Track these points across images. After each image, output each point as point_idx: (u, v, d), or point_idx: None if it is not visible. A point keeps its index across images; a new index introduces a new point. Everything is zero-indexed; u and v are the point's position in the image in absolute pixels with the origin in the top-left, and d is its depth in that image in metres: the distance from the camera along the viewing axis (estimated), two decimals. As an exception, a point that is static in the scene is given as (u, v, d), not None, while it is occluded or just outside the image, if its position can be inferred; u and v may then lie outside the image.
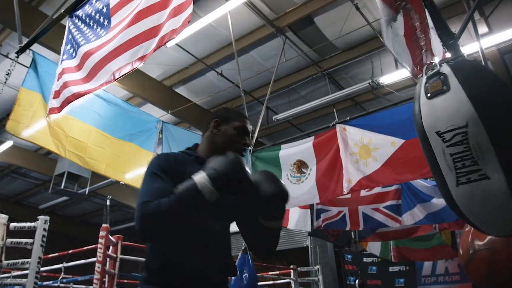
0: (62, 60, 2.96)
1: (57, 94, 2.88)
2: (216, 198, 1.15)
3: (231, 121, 1.49)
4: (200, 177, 1.16)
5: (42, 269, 2.93)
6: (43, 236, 2.88)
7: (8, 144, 7.30)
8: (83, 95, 2.64)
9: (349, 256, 7.18)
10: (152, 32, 2.24)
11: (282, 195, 1.27)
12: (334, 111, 6.45)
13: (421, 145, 1.49)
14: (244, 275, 4.43)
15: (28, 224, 2.93)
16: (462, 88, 1.33)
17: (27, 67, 3.30)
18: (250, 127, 1.53)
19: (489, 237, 2.24)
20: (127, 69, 2.32)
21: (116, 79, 2.39)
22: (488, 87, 1.36)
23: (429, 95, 1.43)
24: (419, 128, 1.47)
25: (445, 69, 1.40)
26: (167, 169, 1.30)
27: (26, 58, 3.39)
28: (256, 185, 1.25)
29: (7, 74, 3.19)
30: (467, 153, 1.30)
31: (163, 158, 1.37)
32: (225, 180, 1.16)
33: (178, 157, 1.41)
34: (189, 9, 2.09)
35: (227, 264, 1.40)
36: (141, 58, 2.25)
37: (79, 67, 2.72)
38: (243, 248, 4.54)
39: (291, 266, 5.64)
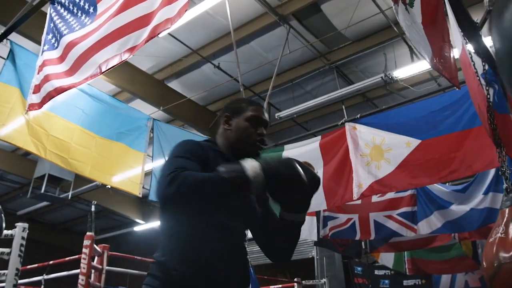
0: (43, 51, 2.96)
1: (37, 89, 2.88)
2: (260, 193, 1.17)
3: (241, 112, 1.48)
4: (252, 165, 1.14)
5: (20, 281, 2.93)
6: (21, 245, 2.88)
7: (-17, 143, 7.31)
8: (66, 90, 2.64)
9: (359, 268, 7.16)
10: (143, 21, 2.23)
11: (314, 182, 1.24)
12: (343, 108, 6.44)
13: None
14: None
15: (4, 232, 2.93)
16: None
17: (4, 58, 3.31)
18: (264, 115, 1.50)
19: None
20: (114, 62, 2.32)
21: (103, 72, 2.39)
22: None
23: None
24: None
25: None
26: (199, 155, 1.30)
27: (3, 48, 3.39)
28: (280, 172, 1.18)
29: (-18, 67, 3.18)
30: None
31: (195, 143, 1.38)
32: (280, 178, 1.15)
33: (204, 147, 1.40)
34: (186, -4, 2.09)
35: (246, 276, 1.41)
36: (131, 50, 2.25)
37: (62, 59, 2.72)
38: (244, 260, 4.54)
39: (295, 279, 5.64)
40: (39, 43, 3.26)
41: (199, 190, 1.13)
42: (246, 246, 1.47)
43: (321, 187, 3.71)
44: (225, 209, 1.27)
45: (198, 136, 4.84)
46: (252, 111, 1.48)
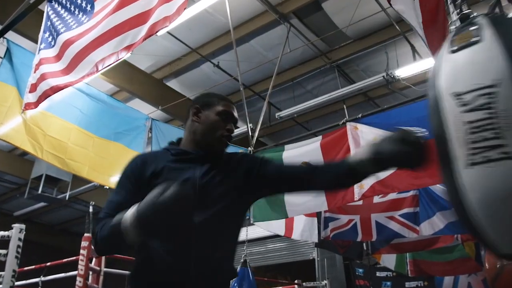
0: (39, 50, 2.96)
1: (33, 88, 2.88)
2: (139, 239, 1.18)
3: (212, 105, 1.48)
4: (128, 214, 1.16)
5: (17, 283, 2.92)
6: (18, 246, 2.87)
7: (-21, 143, 7.31)
8: (62, 89, 2.64)
9: (361, 270, 7.16)
10: (140, 19, 2.23)
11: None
12: (344, 107, 6.43)
13: (429, 117, 1.26)
14: (243, 291, 4.44)
15: (1, 233, 2.93)
16: (498, 39, 1.14)
17: (0, 57, 3.30)
18: (235, 112, 1.51)
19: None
20: (111, 60, 2.32)
21: (99, 71, 2.39)
22: None
23: (454, 48, 1.22)
24: (431, 91, 1.25)
25: (481, 21, 1.23)
26: (135, 175, 1.36)
27: (-1, 47, 3.38)
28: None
29: (-22, 65, 3.18)
30: (490, 121, 1.07)
31: (133, 161, 1.44)
32: (150, 224, 1.13)
33: (155, 155, 1.47)
34: (184, -6, 2.08)
35: (218, 269, 1.34)
36: (128, 48, 2.25)
37: (58, 57, 2.72)
38: (242, 260, 4.53)
39: (296, 281, 5.63)
40: (36, 41, 3.27)
41: (103, 243, 1.28)
42: (225, 228, 1.41)
43: (322, 187, 3.73)
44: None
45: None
46: (223, 106, 1.48)
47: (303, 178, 1.43)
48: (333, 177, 1.38)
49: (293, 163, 1.50)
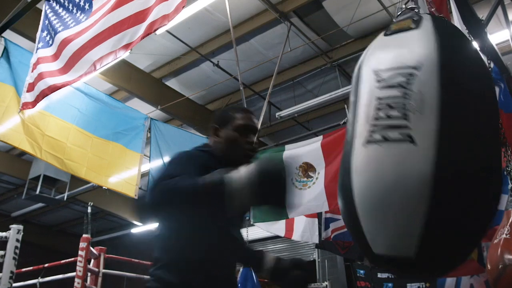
0: (37, 49, 2.96)
1: (31, 87, 2.89)
2: (238, 205, 1.11)
3: (229, 122, 1.47)
4: (239, 173, 1.11)
5: (14, 285, 2.92)
6: (16, 247, 2.88)
7: (-24, 143, 7.32)
8: (59, 88, 2.64)
9: (362, 271, 7.15)
10: (139, 17, 2.24)
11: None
12: (345, 107, 6.43)
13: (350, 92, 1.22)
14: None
15: (-2, 234, 2.93)
16: (433, 31, 1.13)
17: (-2, 56, 3.30)
18: (252, 122, 1.49)
19: (520, 250, 2.23)
20: (109, 59, 2.32)
21: (97, 70, 2.39)
22: (462, 47, 1.17)
23: (388, 32, 1.24)
24: (357, 67, 1.21)
25: (424, 15, 1.24)
26: (202, 162, 1.32)
27: (-3, 46, 3.38)
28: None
29: (-25, 65, 3.19)
30: (401, 100, 1.03)
31: (201, 155, 1.40)
32: (264, 185, 1.09)
33: (206, 154, 1.44)
34: (183, -8, 2.09)
35: (235, 279, 1.49)
36: (126, 47, 2.25)
37: (56, 56, 2.72)
38: (245, 261, 4.53)
39: (296, 283, 5.62)
40: (34, 40, 3.27)
41: (185, 194, 1.14)
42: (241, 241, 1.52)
43: (323, 188, 3.73)
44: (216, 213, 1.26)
45: (197, 136, 4.84)
46: (239, 119, 1.46)
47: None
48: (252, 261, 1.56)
49: None
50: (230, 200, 1.09)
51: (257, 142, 1.49)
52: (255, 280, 4.48)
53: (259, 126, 4.75)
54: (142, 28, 2.21)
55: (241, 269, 4.57)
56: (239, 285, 4.43)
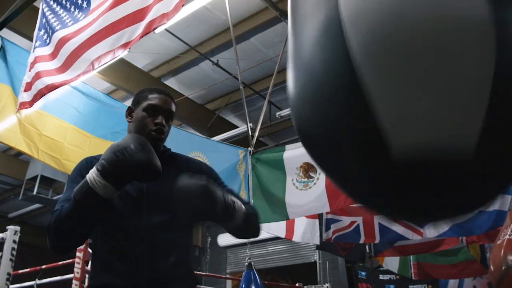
0: (34, 48, 2.96)
1: (28, 87, 2.89)
2: (113, 193, 1.15)
3: (141, 102, 1.46)
4: (91, 172, 1.16)
5: (11, 286, 2.92)
6: (13, 249, 2.88)
7: (-27, 143, 7.31)
8: (57, 87, 2.65)
9: (363, 273, 7.16)
10: (138, 16, 2.24)
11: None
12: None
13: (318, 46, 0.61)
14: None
15: (-5, 235, 2.93)
16: None
17: (-6, 55, 3.30)
18: (165, 104, 1.45)
19: (524, 251, 2.23)
20: (108, 58, 2.32)
21: (95, 69, 2.39)
22: None
23: None
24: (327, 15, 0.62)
25: None
26: (83, 173, 1.32)
27: (-7, 45, 3.38)
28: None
29: (-29, 64, 3.19)
30: None
31: (84, 161, 1.44)
32: (117, 170, 1.13)
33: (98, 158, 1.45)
34: (182, -9, 2.09)
35: (171, 276, 1.33)
36: (125, 45, 2.25)
37: (54, 55, 2.72)
38: (246, 263, 4.50)
39: (297, 284, 5.63)
40: (31, 39, 3.27)
41: (66, 224, 1.20)
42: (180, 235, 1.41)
43: (324, 189, 3.73)
44: (103, 218, 1.29)
45: (196, 136, 4.84)
46: (150, 99, 1.44)
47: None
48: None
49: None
50: (99, 192, 1.13)
51: (163, 124, 1.42)
52: (259, 283, 4.47)
53: (259, 125, 4.76)
54: (140, 26, 2.21)
55: (244, 273, 4.56)
56: (242, 286, 4.42)
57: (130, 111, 1.50)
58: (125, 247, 1.31)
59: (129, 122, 1.49)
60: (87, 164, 1.39)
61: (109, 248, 1.32)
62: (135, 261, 1.29)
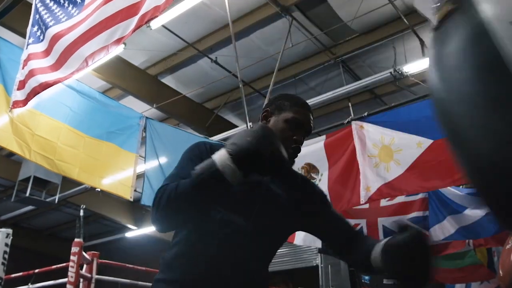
0: (28, 45, 2.96)
1: (21, 85, 2.88)
2: (239, 180, 1.13)
3: (283, 110, 1.41)
4: (219, 155, 1.13)
5: (3, 291, 2.92)
6: (5, 252, 2.88)
7: (-36, 143, 7.30)
8: (51, 85, 2.64)
9: (367, 277, 7.16)
10: (131, 10, 2.24)
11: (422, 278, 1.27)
12: (350, 105, 6.43)
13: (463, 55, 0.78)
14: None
15: (-14, 238, 2.93)
16: None
17: (-14, 52, 3.29)
18: (308, 121, 1.43)
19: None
20: (101, 54, 2.32)
21: (89, 66, 2.39)
22: None
23: None
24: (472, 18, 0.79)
25: None
26: (205, 157, 1.27)
27: (-16, 42, 3.37)
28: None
29: (-38, 61, 3.18)
30: None
31: (203, 145, 1.39)
32: (249, 156, 1.10)
33: (218, 148, 1.41)
34: (176, -17, 2.09)
35: (258, 280, 1.35)
36: (118, 41, 2.25)
37: (47, 52, 2.72)
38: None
39: (298, 289, 5.63)
40: (24, 36, 3.26)
41: (180, 201, 1.17)
42: (274, 240, 1.42)
43: (326, 190, 3.72)
44: (217, 206, 1.28)
45: (194, 136, 4.83)
46: (295, 112, 1.40)
47: (343, 247, 1.49)
48: (359, 261, 1.42)
49: (344, 221, 1.54)
50: (229, 176, 1.11)
51: (302, 142, 1.40)
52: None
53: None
54: (134, 21, 2.21)
55: None
56: None
57: (267, 115, 1.45)
58: (224, 242, 1.29)
59: None
60: (206, 150, 1.34)
61: (202, 240, 1.30)
62: (229, 259, 1.28)
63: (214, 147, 1.33)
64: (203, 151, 1.34)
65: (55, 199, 8.31)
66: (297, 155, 1.42)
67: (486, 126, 0.74)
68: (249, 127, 4.60)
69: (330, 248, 1.56)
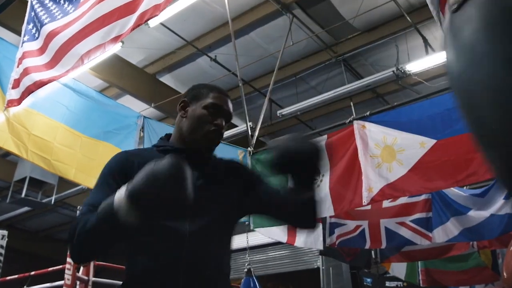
0: (23, 42, 2.96)
1: (16, 83, 2.88)
2: (137, 220, 1.08)
3: (200, 98, 1.44)
4: (120, 193, 1.10)
5: (-2, 294, 2.92)
6: (0, 254, 2.87)
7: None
8: (46, 84, 2.64)
9: (369, 280, 7.16)
10: (129, 7, 2.23)
11: (313, 151, 1.31)
12: (351, 104, 6.43)
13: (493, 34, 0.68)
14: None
15: (-19, 240, 2.93)
16: None
17: (-20, 50, 3.29)
18: (227, 105, 1.44)
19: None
20: (98, 53, 2.32)
21: (85, 64, 2.39)
22: None
23: None
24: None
25: None
26: (121, 171, 1.29)
27: (-21, 39, 3.37)
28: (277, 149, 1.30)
29: (-44, 59, 3.18)
30: None
31: (119, 157, 1.38)
32: (145, 198, 1.06)
33: (142, 154, 1.40)
34: (176, -19, 2.09)
35: (211, 285, 1.30)
36: (115, 39, 2.24)
37: (42, 50, 2.72)
38: (246, 270, 4.51)
39: (299, 292, 5.63)
40: (19, 33, 3.26)
41: (88, 239, 1.17)
42: (218, 239, 1.38)
43: (327, 191, 3.72)
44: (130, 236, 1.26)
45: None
46: (212, 98, 1.42)
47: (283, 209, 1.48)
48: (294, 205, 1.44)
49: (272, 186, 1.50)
50: (122, 216, 1.07)
51: (223, 126, 1.41)
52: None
53: (259, 124, 4.75)
54: (132, 19, 2.21)
55: (243, 280, 4.56)
56: None
57: (184, 106, 1.47)
58: (164, 251, 1.27)
59: (181, 117, 1.47)
60: (122, 160, 1.35)
61: (145, 252, 1.30)
62: (173, 269, 1.26)
63: (138, 154, 1.38)
64: (119, 163, 1.35)
65: (51, 200, 8.31)
66: (220, 139, 1.42)
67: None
68: (249, 127, 4.60)
69: (278, 218, 1.56)
